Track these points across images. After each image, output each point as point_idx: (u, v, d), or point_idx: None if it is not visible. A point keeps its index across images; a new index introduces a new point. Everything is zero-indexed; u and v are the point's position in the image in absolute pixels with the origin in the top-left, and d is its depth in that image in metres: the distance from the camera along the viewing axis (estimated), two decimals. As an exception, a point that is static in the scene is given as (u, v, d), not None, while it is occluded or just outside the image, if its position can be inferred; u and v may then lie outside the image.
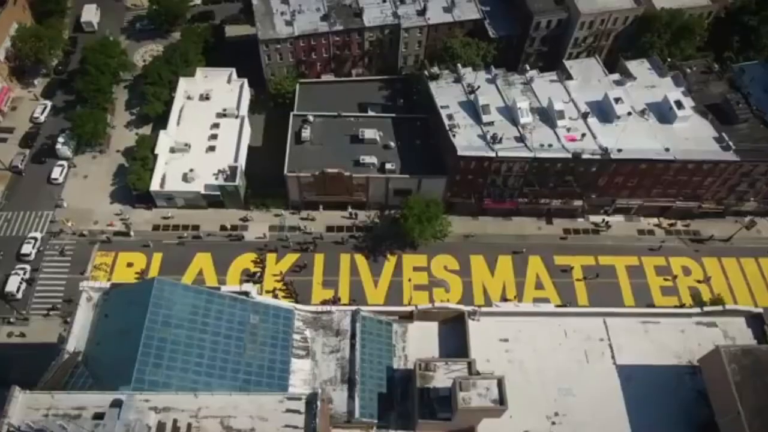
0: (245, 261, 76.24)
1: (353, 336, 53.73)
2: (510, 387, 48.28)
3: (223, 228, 78.96)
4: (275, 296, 72.94)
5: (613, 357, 55.79)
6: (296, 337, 53.10)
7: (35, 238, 76.20)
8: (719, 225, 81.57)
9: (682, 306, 73.67)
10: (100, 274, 74.05)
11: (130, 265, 75.35)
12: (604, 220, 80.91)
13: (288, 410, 41.44)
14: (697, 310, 58.68)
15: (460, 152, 70.70)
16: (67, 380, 45.85)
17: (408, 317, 57.31)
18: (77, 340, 49.06)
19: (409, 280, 74.60)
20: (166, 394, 41.87)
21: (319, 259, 76.72)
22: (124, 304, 49.77)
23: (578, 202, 79.27)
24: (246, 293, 51.93)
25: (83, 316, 50.41)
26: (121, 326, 48.26)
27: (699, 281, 76.68)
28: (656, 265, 77.93)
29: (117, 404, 40.28)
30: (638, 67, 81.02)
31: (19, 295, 71.82)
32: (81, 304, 50.70)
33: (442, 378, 50.97)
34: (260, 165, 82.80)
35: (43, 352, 62.09)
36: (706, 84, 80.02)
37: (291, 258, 76.61)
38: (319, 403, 40.88)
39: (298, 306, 55.27)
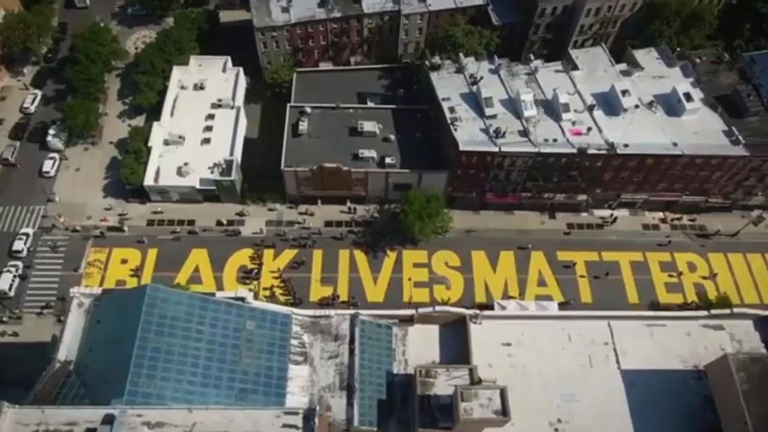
0: (242, 257, 74.84)
1: (352, 341, 52.74)
2: (512, 392, 47.62)
3: (219, 223, 77.38)
4: (273, 294, 71.91)
5: (617, 361, 54.90)
6: (294, 342, 52.11)
7: (27, 234, 74.66)
8: (726, 219, 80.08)
9: (687, 304, 72.64)
10: (94, 271, 72.85)
11: (124, 261, 73.96)
12: (612, 215, 79.25)
13: (285, 425, 40.54)
14: (703, 312, 57.52)
15: (462, 147, 68.84)
16: (58, 391, 44.90)
17: (408, 320, 56.28)
18: (68, 348, 47.97)
19: (410, 279, 73.18)
20: (160, 409, 40.93)
21: (317, 255, 75.33)
22: (117, 311, 48.63)
23: (582, 197, 77.67)
24: (242, 299, 50.68)
25: (74, 323, 49.36)
26: (114, 334, 47.15)
27: (704, 277, 75.42)
28: (661, 260, 76.56)
29: (109, 420, 39.33)
30: (646, 56, 78.74)
31: (12, 294, 70.58)
32: (72, 311, 49.57)
33: (443, 385, 50.05)
34: (257, 157, 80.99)
35: (37, 352, 61.52)
36: (715, 74, 77.84)
37: (289, 254, 75.21)
38: (317, 419, 39.86)
39: (296, 310, 54.11)
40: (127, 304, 47.66)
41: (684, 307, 72.15)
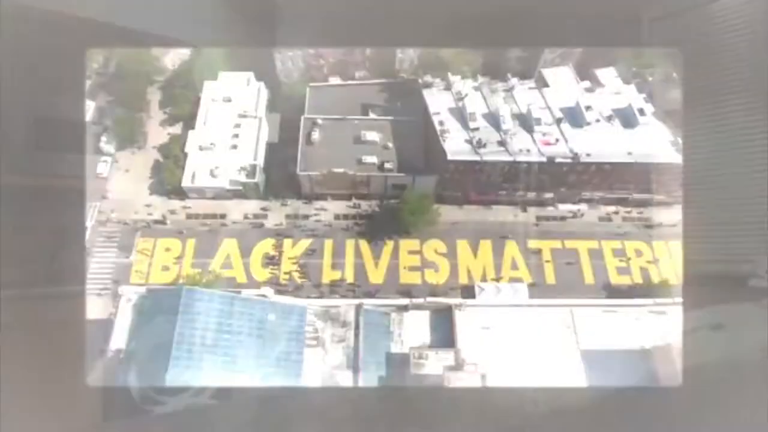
0: (266, 246, 72.21)
1: (357, 327, 50.91)
2: (490, 372, 46.28)
3: (246, 217, 74.60)
4: (291, 277, 69.82)
5: (577, 342, 53.20)
6: (308, 329, 50.25)
7: (86, 227, 71.83)
8: (669, 212, 77.01)
9: (634, 286, 70.66)
10: (142, 258, 70.51)
11: (168, 250, 71.43)
12: (579, 209, 76.38)
13: None
14: (651, 301, 55.46)
15: (450, 157, 65.58)
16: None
17: (404, 308, 54.42)
18: (119, 339, 45.97)
19: (405, 267, 70.75)
20: None
21: (328, 244, 72.72)
22: (158, 308, 46.60)
23: (550, 194, 74.68)
24: (263, 295, 48.47)
25: (124, 316, 47.21)
26: (155, 329, 45.04)
27: (649, 262, 73.11)
28: (613, 248, 74.06)
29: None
30: (607, 74, 74.52)
31: (75, 279, 68.42)
32: (121, 306, 47.39)
33: (433, 365, 48.50)
34: (277, 160, 77.51)
35: (98, 327, 59.50)
36: (667, 89, 73.69)
37: (304, 243, 72.70)
38: None
39: (311, 302, 52.02)
40: (167, 303, 45.65)
41: (632, 288, 70.21)
